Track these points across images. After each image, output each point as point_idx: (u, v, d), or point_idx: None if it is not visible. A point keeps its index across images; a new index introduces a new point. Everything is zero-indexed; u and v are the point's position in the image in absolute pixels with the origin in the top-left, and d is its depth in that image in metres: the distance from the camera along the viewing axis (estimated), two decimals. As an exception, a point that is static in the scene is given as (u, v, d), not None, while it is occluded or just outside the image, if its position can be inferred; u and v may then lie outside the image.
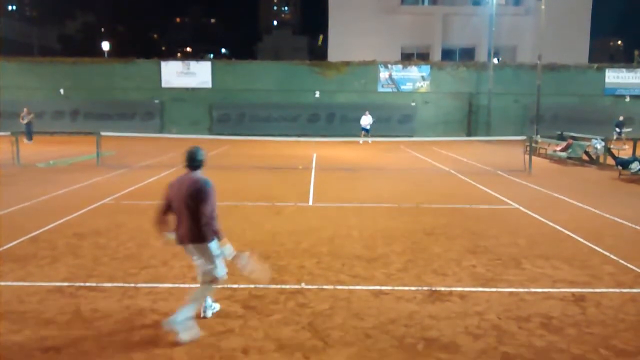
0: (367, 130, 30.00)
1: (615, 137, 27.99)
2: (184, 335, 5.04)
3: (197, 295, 5.30)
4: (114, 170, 17.20)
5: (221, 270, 5.29)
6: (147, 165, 18.84)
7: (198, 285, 5.45)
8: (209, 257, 5.21)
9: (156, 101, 35.92)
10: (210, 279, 5.28)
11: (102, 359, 4.74)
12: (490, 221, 10.48)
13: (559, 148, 21.97)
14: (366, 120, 30.21)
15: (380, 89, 36.49)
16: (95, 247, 8.29)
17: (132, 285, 6.57)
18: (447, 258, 7.88)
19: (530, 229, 9.84)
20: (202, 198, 5.07)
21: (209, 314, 5.62)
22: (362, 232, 9.43)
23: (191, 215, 5.09)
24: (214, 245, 5.19)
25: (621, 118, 29.99)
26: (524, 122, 34.77)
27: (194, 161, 5.27)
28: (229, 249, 5.31)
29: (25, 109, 29.67)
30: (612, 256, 8.03)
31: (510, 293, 6.46)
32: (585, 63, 39.93)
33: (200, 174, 5.27)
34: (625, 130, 28.76)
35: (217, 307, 5.75)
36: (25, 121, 28.86)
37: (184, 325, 5.06)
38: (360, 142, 29.31)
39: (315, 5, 70.74)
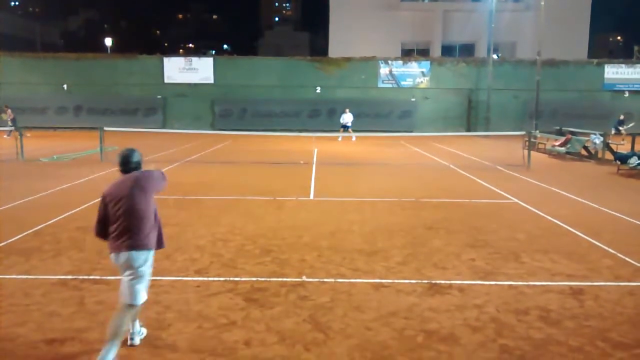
0: (347, 127, 29.39)
1: (613, 132, 28.01)
2: None
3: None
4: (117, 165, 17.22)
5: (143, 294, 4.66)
6: (150, 160, 18.87)
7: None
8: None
9: (159, 97, 35.94)
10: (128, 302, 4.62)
11: (107, 350, 4.79)
12: (489, 215, 10.53)
13: (557, 143, 21.99)
14: (347, 118, 29.55)
15: (380, 85, 36.50)
16: (98, 240, 8.29)
17: (135, 278, 6.62)
18: (446, 252, 7.94)
19: (529, 223, 9.89)
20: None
21: (137, 340, 4.90)
22: (362, 226, 9.49)
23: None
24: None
25: (622, 117, 29.94)
26: (523, 118, 34.76)
27: (129, 164, 4.86)
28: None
29: (5, 106, 29.58)
30: (610, 250, 8.08)
31: (509, 286, 6.52)
32: (584, 59, 39.91)
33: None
34: (625, 127, 28.70)
35: (144, 332, 5.04)
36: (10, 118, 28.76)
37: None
38: (340, 139, 28.91)
39: (316, 2, 70.54)
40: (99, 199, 4.78)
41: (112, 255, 4.64)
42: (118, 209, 4.56)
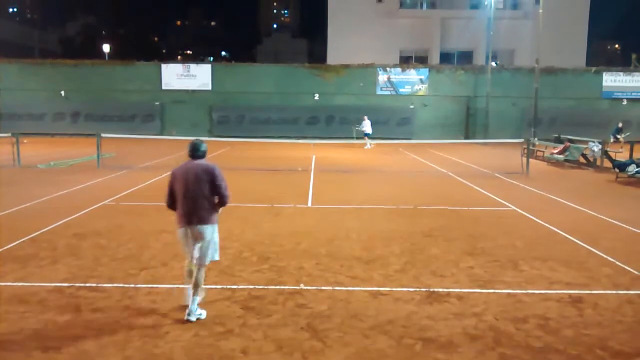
0: (368, 135, 29.37)
1: (612, 140, 28.14)
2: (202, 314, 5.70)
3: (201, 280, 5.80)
4: (114, 171, 17.23)
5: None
6: (147, 166, 18.87)
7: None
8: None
9: (156, 103, 35.95)
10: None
11: (102, 359, 4.77)
12: (488, 223, 10.52)
13: (556, 151, 22.02)
14: (366, 125, 29.39)
15: (379, 92, 36.55)
16: (95, 247, 8.32)
17: (132, 285, 6.60)
18: (445, 259, 7.92)
19: (527, 231, 9.89)
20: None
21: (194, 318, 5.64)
22: (360, 233, 9.47)
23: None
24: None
25: (620, 125, 30.06)
26: (521, 125, 34.79)
27: (196, 152, 5.81)
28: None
29: None
30: (609, 258, 8.07)
31: (508, 294, 6.50)
32: (582, 66, 40.02)
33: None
34: (623, 135, 28.86)
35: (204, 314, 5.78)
36: None
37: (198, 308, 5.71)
38: (369, 146, 29.01)
39: (314, 9, 70.87)
40: (168, 175, 5.89)
41: (180, 230, 5.72)
42: (181, 189, 5.64)
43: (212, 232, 5.70)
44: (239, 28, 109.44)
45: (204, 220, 5.62)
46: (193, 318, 5.57)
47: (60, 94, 36.16)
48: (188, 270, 5.83)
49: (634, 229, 10.09)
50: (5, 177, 15.95)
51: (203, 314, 5.68)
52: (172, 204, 5.81)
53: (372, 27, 43.61)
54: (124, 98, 36.15)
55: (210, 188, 5.63)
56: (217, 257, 5.90)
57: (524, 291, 6.61)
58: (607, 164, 19.30)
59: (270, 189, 14.32)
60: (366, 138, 29.02)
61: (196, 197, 5.58)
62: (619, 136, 28.92)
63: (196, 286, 5.66)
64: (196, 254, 5.67)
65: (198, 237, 5.65)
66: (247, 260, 7.72)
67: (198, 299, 5.68)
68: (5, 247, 8.20)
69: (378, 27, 43.71)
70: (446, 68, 37.49)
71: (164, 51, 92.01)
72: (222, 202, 5.77)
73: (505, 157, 23.84)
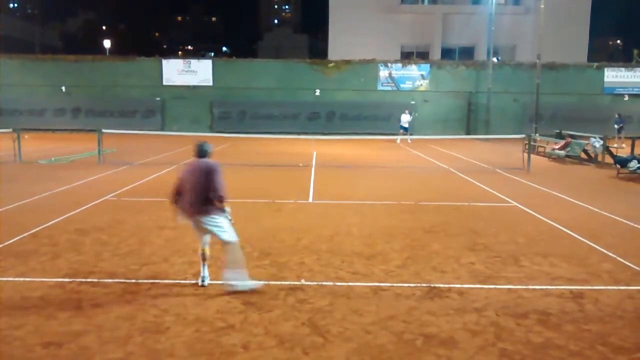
0: (406, 129, 29.85)
1: (617, 133, 28.29)
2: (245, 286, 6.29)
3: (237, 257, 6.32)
4: (116, 167, 17.23)
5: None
6: (148, 162, 18.87)
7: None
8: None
9: (157, 99, 35.92)
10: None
11: (103, 355, 4.77)
12: (489, 219, 10.52)
13: (557, 146, 21.99)
14: (405, 119, 29.89)
15: (380, 88, 36.49)
16: (96, 243, 8.33)
17: (134, 281, 6.61)
18: (446, 255, 7.92)
19: (528, 226, 9.88)
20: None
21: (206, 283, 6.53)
22: (361, 229, 9.47)
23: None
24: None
25: (617, 115, 30.33)
26: (522, 121, 34.72)
27: (200, 152, 6.36)
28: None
29: None
30: (610, 254, 8.07)
31: (509, 290, 6.50)
32: (584, 62, 39.87)
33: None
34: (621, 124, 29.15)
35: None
36: None
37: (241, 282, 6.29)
38: (398, 141, 29.38)
39: (315, 4, 70.82)
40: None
41: (185, 220, 6.31)
42: (187, 184, 6.19)
43: (214, 221, 6.14)
44: (240, 23, 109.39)
45: (204, 212, 6.10)
46: (233, 288, 6.22)
47: (61, 90, 36.13)
48: (201, 253, 6.46)
49: (635, 225, 10.09)
50: (7, 172, 15.95)
51: (247, 284, 6.32)
52: (174, 198, 6.36)
53: (373, 22, 43.47)
54: (125, 94, 36.11)
55: (211, 184, 6.09)
56: (235, 238, 6.28)
57: (525, 287, 6.61)
58: (609, 159, 19.27)
59: (271, 185, 14.32)
60: (401, 132, 29.36)
61: (199, 191, 6.08)
62: (616, 126, 29.16)
63: (231, 262, 6.24)
64: (207, 239, 6.41)
65: (201, 227, 6.20)
66: (248, 255, 7.69)
67: (230, 271, 6.23)
68: (6, 243, 8.21)
69: (379, 22, 43.56)
70: (447, 64, 37.41)
71: (164, 47, 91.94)
72: (215, 197, 6.17)
73: (507, 153, 23.84)
